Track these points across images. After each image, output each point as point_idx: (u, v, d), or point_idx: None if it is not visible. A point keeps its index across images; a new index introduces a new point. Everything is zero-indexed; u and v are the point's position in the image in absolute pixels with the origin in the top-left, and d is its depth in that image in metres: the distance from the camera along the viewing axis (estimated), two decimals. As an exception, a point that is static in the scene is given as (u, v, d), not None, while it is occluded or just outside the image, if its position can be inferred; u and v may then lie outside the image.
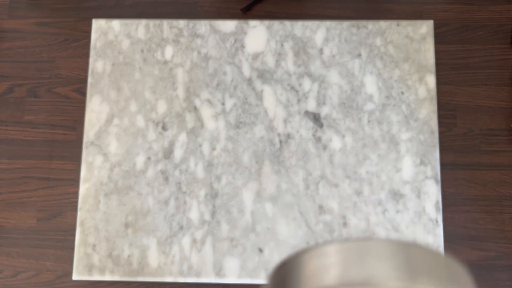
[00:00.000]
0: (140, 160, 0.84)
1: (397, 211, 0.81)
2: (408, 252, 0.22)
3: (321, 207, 0.82)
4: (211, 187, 0.83)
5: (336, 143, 0.83)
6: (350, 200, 0.82)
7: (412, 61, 0.86)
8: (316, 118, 0.85)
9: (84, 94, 1.31)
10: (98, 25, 0.90)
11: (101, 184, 0.84)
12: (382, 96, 0.85)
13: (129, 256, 0.81)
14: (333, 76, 0.86)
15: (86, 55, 1.32)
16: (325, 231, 0.81)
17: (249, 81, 0.86)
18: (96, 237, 0.82)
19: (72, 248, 1.23)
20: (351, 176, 0.82)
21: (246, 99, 0.86)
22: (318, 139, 0.84)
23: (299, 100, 0.85)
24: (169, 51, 0.88)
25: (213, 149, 0.84)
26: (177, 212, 0.82)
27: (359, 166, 0.83)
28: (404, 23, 0.87)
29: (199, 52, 0.88)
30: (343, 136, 0.84)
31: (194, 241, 0.81)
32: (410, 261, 0.21)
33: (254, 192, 0.82)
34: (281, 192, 0.82)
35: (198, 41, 0.88)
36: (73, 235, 1.23)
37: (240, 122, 0.85)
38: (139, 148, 0.85)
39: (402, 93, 0.85)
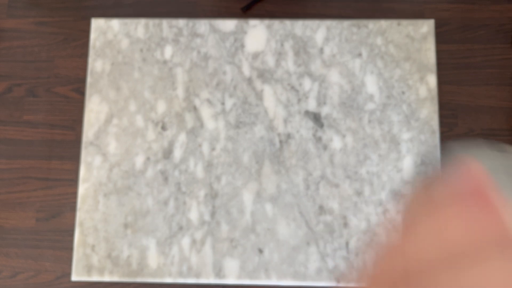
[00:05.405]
0: (139, 160, 0.84)
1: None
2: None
3: (321, 208, 0.81)
4: (210, 187, 0.82)
5: (336, 143, 0.83)
6: (351, 201, 0.81)
7: (413, 61, 0.85)
8: (316, 118, 0.84)
9: (83, 93, 1.31)
10: (97, 24, 0.89)
11: (100, 184, 0.83)
12: (382, 95, 0.84)
13: (128, 256, 0.81)
14: (334, 76, 0.85)
15: (85, 55, 1.32)
16: (325, 232, 0.80)
17: (249, 80, 0.86)
18: (95, 238, 0.81)
19: (71, 249, 1.23)
20: (351, 176, 0.82)
21: (246, 99, 0.85)
22: (318, 139, 0.83)
23: (299, 100, 0.85)
24: (168, 51, 0.87)
25: (213, 149, 0.83)
26: (177, 212, 0.82)
27: (360, 166, 0.82)
28: (405, 22, 0.87)
29: (198, 52, 0.87)
30: (344, 136, 0.83)
31: (193, 241, 0.81)
32: None
33: (254, 192, 0.82)
34: (281, 192, 0.82)
35: (198, 40, 0.87)
36: (72, 235, 1.23)
37: (240, 122, 0.84)
38: (139, 148, 0.84)
39: (403, 92, 0.84)
